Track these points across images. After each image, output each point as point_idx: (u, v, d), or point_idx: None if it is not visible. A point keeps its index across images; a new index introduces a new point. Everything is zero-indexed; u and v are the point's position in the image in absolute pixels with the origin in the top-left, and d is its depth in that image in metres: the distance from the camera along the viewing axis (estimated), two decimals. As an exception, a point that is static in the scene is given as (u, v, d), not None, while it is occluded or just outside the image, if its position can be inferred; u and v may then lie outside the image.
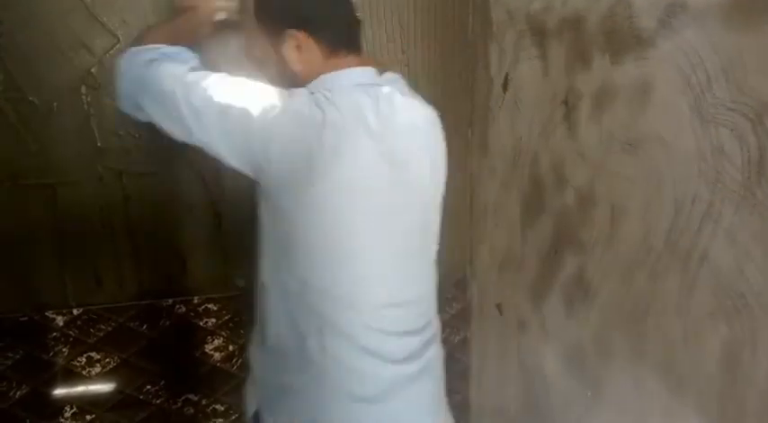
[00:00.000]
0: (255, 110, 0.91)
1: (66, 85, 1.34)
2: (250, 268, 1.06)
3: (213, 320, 1.56)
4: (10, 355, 1.45)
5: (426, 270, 1.08)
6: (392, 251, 1.00)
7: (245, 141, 0.92)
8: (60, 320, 1.46)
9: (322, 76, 0.98)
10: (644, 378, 0.99)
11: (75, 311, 1.46)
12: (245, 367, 1.20)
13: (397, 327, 1.01)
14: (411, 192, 1.00)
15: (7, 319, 1.43)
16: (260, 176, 0.94)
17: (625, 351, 1.04)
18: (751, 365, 0.77)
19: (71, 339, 1.47)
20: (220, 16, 1.16)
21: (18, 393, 1.47)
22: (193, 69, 0.98)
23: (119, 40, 1.33)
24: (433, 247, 1.09)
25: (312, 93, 0.94)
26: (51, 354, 1.47)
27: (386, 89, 1.00)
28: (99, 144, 1.38)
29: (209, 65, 1.03)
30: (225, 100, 0.92)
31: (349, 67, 0.99)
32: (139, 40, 1.04)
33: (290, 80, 0.99)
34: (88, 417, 1.53)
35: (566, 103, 1.17)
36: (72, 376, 1.50)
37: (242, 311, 1.55)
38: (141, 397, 1.56)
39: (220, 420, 1.65)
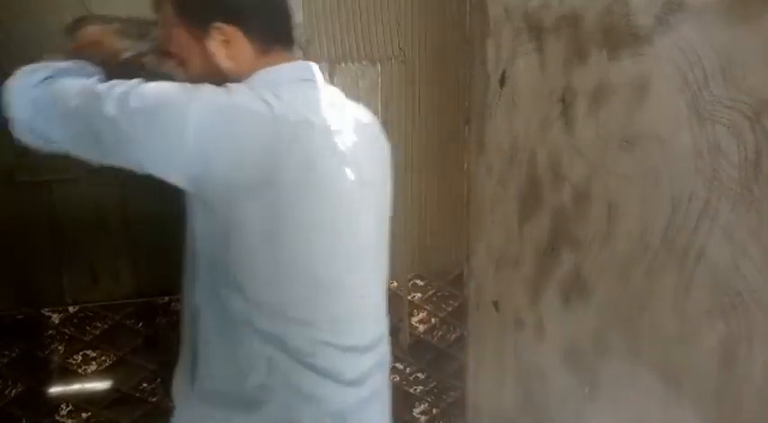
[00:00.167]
0: (191, 110, 0.78)
1: (61, 81, 1.33)
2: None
3: (210, 318, 1.55)
4: (6, 352, 1.44)
5: (381, 275, 1.02)
6: (351, 254, 0.92)
7: (182, 148, 0.77)
8: (56, 318, 1.46)
9: (259, 72, 0.89)
10: (641, 375, 0.99)
11: (71, 309, 1.46)
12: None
13: (352, 341, 0.94)
14: (366, 190, 0.94)
15: (3, 316, 1.43)
16: (202, 187, 0.81)
17: (622, 348, 1.04)
18: (747, 362, 0.78)
19: (67, 337, 1.47)
20: (126, 55, 1.04)
21: (14, 391, 1.47)
22: (101, 80, 0.85)
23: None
24: (386, 249, 1.03)
25: (252, 88, 0.85)
26: (47, 351, 1.47)
27: (329, 85, 0.95)
28: (95, 141, 1.38)
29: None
30: (150, 103, 0.79)
31: (286, 61, 0.91)
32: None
33: (214, 80, 0.86)
34: (84, 415, 1.53)
35: (563, 100, 1.17)
36: (68, 374, 1.50)
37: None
38: (137, 395, 1.56)
39: (217, 418, 1.65)
